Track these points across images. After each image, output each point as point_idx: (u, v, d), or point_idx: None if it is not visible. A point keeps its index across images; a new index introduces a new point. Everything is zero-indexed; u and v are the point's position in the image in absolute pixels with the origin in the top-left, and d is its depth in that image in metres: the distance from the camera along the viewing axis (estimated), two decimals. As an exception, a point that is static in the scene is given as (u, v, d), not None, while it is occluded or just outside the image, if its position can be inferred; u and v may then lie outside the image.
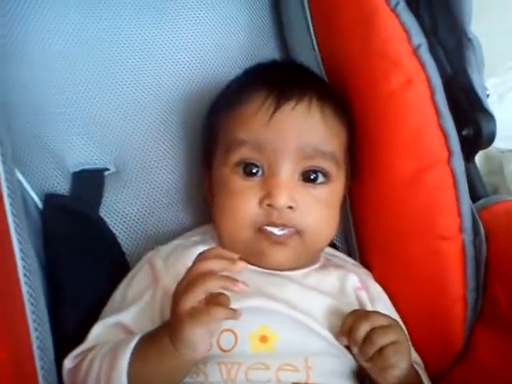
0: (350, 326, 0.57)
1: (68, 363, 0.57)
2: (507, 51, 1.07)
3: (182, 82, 0.78)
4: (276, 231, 0.62)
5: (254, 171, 0.62)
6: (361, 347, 0.56)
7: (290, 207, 0.61)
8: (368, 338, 0.55)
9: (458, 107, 0.65)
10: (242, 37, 0.82)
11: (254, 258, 0.62)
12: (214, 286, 0.49)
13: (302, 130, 0.62)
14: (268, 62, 0.73)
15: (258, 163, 0.62)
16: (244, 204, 0.62)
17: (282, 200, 0.60)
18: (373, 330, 0.56)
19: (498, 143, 1.12)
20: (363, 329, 0.56)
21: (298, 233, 0.62)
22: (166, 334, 0.51)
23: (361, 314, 0.58)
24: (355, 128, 0.69)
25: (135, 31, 0.77)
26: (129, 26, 0.77)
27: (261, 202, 0.61)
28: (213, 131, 0.68)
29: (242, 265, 0.50)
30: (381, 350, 0.55)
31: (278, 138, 0.61)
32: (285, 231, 0.62)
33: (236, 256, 0.51)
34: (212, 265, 0.50)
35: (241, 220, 0.62)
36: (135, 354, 0.52)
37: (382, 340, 0.55)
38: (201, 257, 0.52)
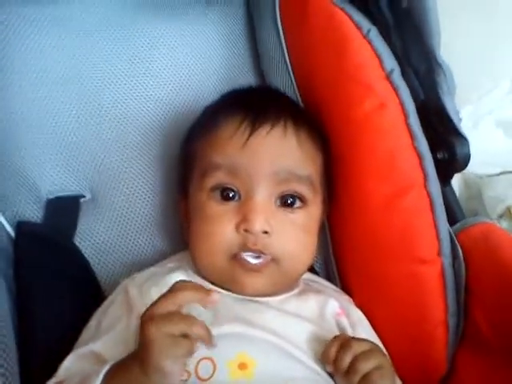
0: (333, 356, 0.56)
1: None
2: (480, 78, 1.10)
3: (159, 109, 0.79)
4: (251, 259, 0.61)
5: (230, 196, 0.62)
6: (345, 376, 0.55)
7: (266, 232, 0.60)
8: (351, 366, 0.55)
9: (432, 131, 0.66)
10: (219, 66, 0.83)
11: (230, 285, 0.62)
12: (176, 329, 0.49)
13: (277, 155, 0.62)
14: (244, 87, 0.73)
15: (234, 188, 0.62)
16: (220, 229, 0.61)
17: (257, 224, 0.59)
18: (356, 358, 0.55)
19: (476, 169, 1.15)
20: (346, 358, 0.55)
21: (274, 260, 0.62)
22: (135, 363, 0.49)
23: (343, 342, 0.57)
24: (331, 152, 0.69)
25: (112, 63, 0.77)
26: (107, 57, 0.77)
27: (237, 228, 0.60)
28: (189, 157, 0.68)
29: (215, 297, 0.50)
30: (365, 376, 0.54)
31: (253, 163, 0.61)
32: (260, 260, 0.61)
33: (210, 289, 0.51)
34: (185, 296, 0.50)
35: (217, 245, 0.61)
36: None
37: (366, 366, 0.54)
38: (175, 287, 0.51)
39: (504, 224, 1.08)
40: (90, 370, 0.53)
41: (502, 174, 1.14)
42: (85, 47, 0.76)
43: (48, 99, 0.73)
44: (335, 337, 0.58)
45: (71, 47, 0.75)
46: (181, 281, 0.53)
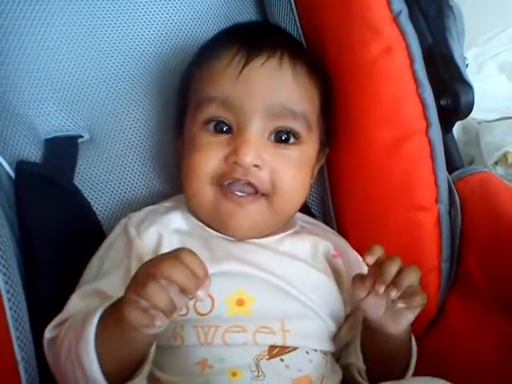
0: (375, 271, 0.53)
1: (47, 334, 0.56)
2: (488, 21, 1.07)
3: (157, 48, 0.76)
4: (238, 192, 0.59)
5: (223, 129, 0.61)
6: (389, 286, 0.52)
7: (256, 166, 0.59)
8: (399, 274, 0.52)
9: (437, 77, 0.65)
10: (221, 3, 0.80)
11: (219, 224, 0.61)
12: (167, 297, 0.45)
13: (270, 88, 0.60)
14: (244, 22, 0.71)
15: (227, 121, 0.61)
16: (208, 158, 0.60)
17: (247, 158, 0.58)
18: (401, 269, 0.53)
19: (476, 114, 1.14)
20: (393, 268, 0.52)
21: (265, 195, 0.61)
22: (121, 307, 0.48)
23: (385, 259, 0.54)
24: (330, 92, 0.68)
25: (110, 2, 0.74)
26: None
27: (226, 159, 0.59)
28: (185, 92, 0.67)
29: (202, 294, 0.46)
30: (407, 289, 0.52)
31: (246, 96, 0.60)
32: (248, 194, 0.60)
33: (208, 278, 0.47)
34: (180, 277, 0.46)
35: (203, 174, 0.60)
36: (100, 324, 0.49)
37: (412, 278, 0.52)
38: (179, 255, 0.47)
39: (500, 170, 1.09)
40: (91, 308, 0.52)
41: (500, 119, 1.14)
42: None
43: (42, 40, 0.70)
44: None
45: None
46: (185, 249, 0.48)
